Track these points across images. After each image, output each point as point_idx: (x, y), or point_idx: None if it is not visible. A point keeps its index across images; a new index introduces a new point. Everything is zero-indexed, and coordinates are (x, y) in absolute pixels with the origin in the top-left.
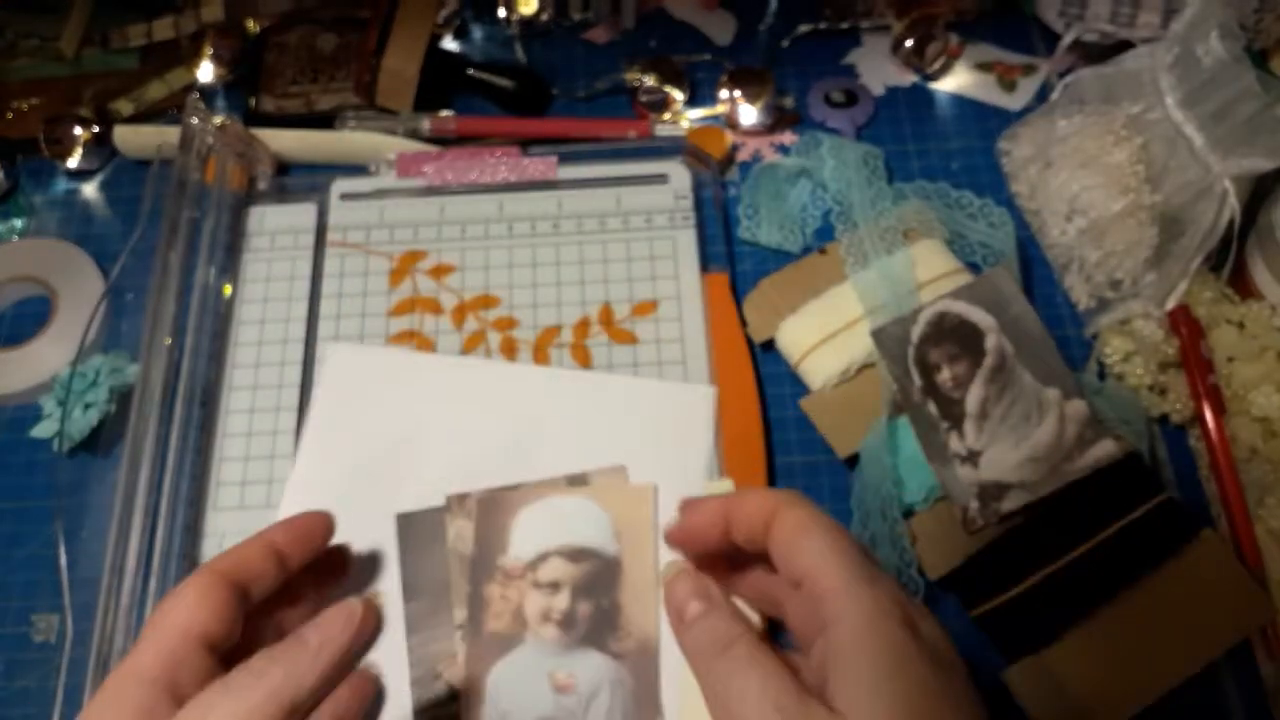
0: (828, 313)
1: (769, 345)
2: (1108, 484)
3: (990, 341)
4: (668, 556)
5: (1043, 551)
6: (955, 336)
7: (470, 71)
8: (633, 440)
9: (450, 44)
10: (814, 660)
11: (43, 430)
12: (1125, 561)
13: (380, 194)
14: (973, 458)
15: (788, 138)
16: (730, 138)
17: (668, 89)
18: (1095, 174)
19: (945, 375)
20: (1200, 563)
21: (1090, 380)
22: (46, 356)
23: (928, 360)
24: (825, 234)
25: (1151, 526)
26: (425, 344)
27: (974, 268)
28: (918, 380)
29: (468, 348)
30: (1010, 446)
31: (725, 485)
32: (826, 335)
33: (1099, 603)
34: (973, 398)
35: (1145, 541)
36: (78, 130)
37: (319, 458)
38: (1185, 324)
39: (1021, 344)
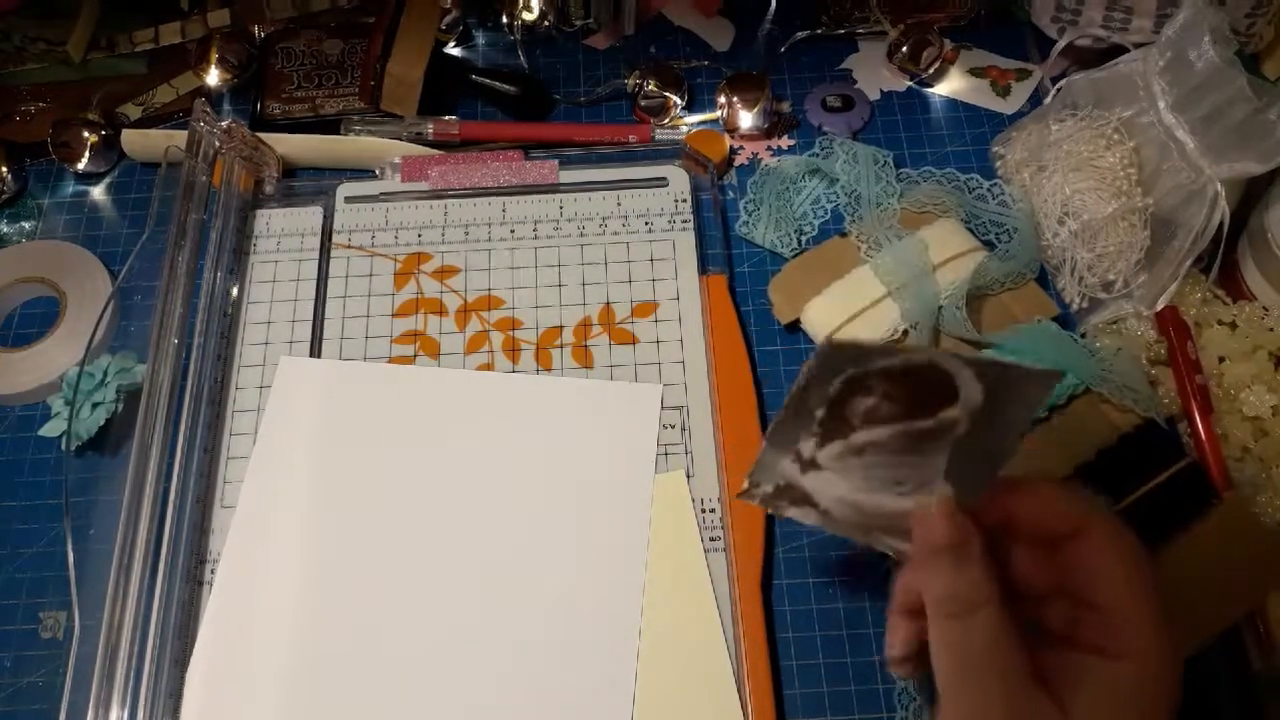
0: (851, 293)
1: (794, 326)
2: (1131, 450)
3: (949, 413)
4: None
5: None
6: (915, 382)
7: (473, 77)
8: (585, 438)
9: (454, 50)
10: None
11: (51, 429)
12: (1154, 524)
13: (385, 197)
14: (806, 466)
15: (785, 142)
16: (728, 142)
17: (667, 94)
18: (1088, 177)
19: (865, 404)
20: (1225, 524)
21: (1090, 347)
22: (55, 356)
23: (865, 383)
24: (829, 234)
25: (1177, 490)
26: (429, 345)
27: (989, 245)
28: (833, 389)
29: (471, 349)
30: (849, 486)
31: (677, 477)
32: (852, 314)
33: None
34: (867, 436)
35: (1172, 504)
36: (86, 133)
37: (270, 468)
38: (1173, 325)
39: (972, 442)
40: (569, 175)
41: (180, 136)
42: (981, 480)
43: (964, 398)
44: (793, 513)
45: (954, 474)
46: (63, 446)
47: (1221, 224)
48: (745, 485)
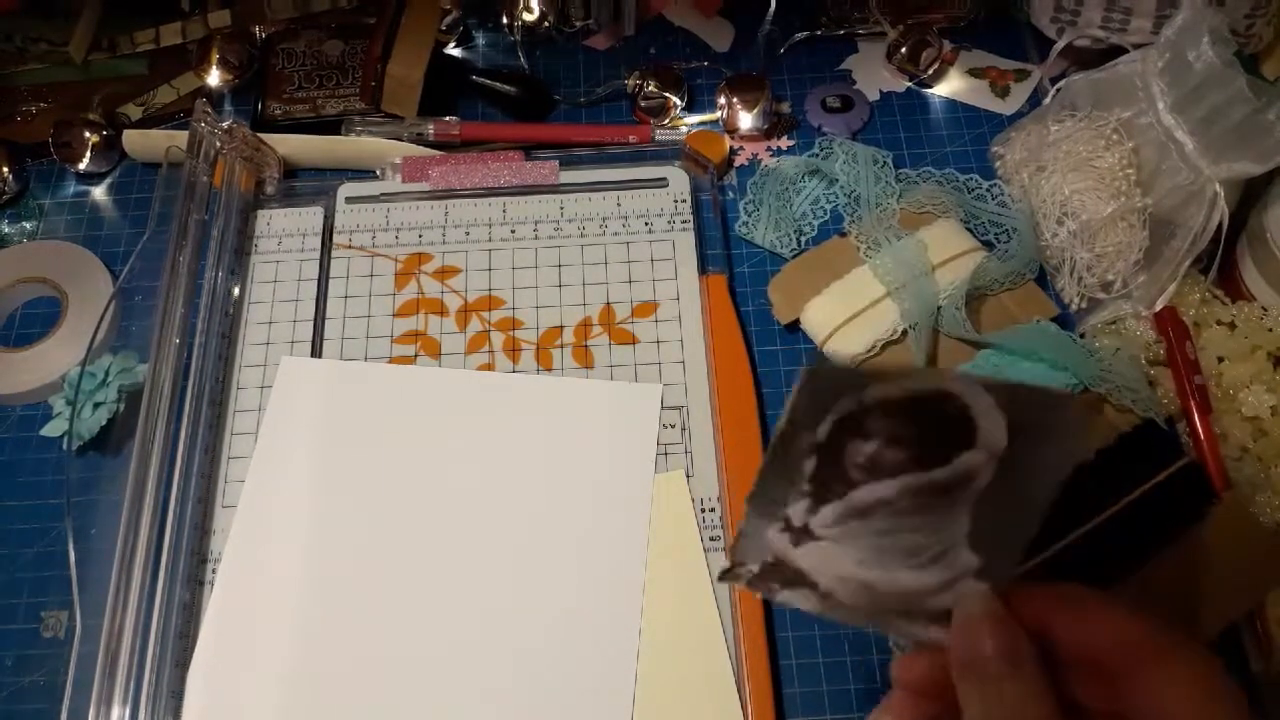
0: (851, 293)
1: (793, 326)
2: (1129, 450)
3: (968, 458)
4: None
5: (1069, 518)
6: (922, 417)
7: (474, 78)
8: (585, 438)
9: (454, 51)
10: None
11: (52, 429)
12: (1152, 524)
13: (386, 197)
14: (799, 536)
15: (784, 142)
16: (728, 142)
17: (667, 95)
18: (1087, 177)
19: (864, 450)
20: (1224, 524)
21: (1089, 348)
22: (56, 357)
23: (861, 423)
24: (828, 234)
25: (1175, 490)
26: (430, 345)
27: (988, 245)
28: (822, 433)
29: (472, 349)
30: (854, 559)
31: (677, 477)
32: (851, 314)
33: (1129, 568)
34: (870, 494)
35: (1170, 504)
36: (87, 134)
37: (271, 468)
38: (1172, 325)
39: (999, 497)
40: (569, 176)
41: (181, 137)
42: (1015, 548)
43: (984, 436)
44: (786, 597)
45: (979, 540)
46: (64, 446)
47: (1220, 224)
48: (728, 564)
